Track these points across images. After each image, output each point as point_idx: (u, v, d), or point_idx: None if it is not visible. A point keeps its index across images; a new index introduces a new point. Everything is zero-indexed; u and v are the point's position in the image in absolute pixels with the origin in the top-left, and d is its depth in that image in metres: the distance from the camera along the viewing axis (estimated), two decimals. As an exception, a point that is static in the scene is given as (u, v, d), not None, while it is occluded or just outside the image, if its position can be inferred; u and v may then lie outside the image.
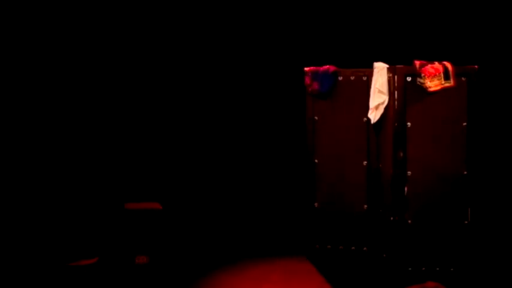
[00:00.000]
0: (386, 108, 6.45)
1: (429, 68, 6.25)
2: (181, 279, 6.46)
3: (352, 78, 6.75)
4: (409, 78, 6.27)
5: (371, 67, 6.60)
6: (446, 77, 6.25)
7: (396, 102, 6.31)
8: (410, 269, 6.26)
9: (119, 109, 7.63)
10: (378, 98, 6.50)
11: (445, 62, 6.30)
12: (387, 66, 6.50)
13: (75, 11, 7.43)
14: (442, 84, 6.24)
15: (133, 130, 7.68)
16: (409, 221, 6.27)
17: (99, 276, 6.37)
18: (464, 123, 6.29)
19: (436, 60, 6.31)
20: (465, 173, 6.29)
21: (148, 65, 7.71)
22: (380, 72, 6.51)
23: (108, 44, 7.52)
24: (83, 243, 6.96)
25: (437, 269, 6.26)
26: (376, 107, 6.53)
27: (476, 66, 6.33)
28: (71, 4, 7.42)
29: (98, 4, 7.47)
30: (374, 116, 6.57)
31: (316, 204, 6.89)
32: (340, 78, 6.78)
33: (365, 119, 6.69)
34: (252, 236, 7.67)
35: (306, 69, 6.93)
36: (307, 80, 6.89)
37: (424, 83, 6.25)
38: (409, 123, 6.28)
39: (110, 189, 7.44)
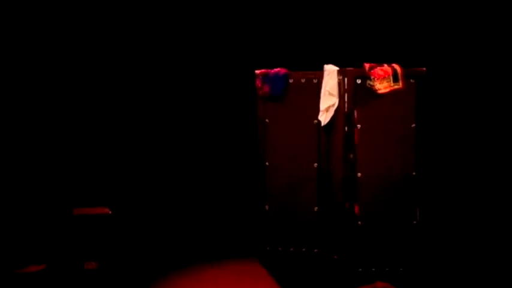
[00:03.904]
0: (336, 111, 6.48)
1: (378, 70, 6.29)
2: (131, 284, 6.38)
3: (303, 80, 6.76)
4: (358, 81, 6.31)
5: (321, 70, 6.63)
6: (395, 79, 6.31)
7: (346, 105, 6.34)
8: (360, 269, 6.30)
9: (64, 112, 7.51)
10: (328, 100, 6.53)
11: (394, 65, 6.35)
12: (337, 68, 6.54)
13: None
14: (391, 86, 6.30)
15: (80, 133, 7.57)
16: (359, 222, 6.31)
17: (47, 283, 6.26)
18: (413, 125, 6.36)
19: (385, 63, 6.36)
20: (414, 173, 6.36)
21: (90, 66, 7.59)
22: (330, 74, 6.55)
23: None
24: (30, 249, 6.82)
25: (387, 269, 6.31)
26: (327, 109, 6.57)
27: (424, 69, 6.41)
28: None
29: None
30: (324, 118, 6.60)
31: (267, 206, 6.88)
32: (291, 80, 6.78)
33: (316, 121, 6.71)
34: (203, 239, 7.63)
35: (256, 72, 6.91)
36: (258, 83, 6.87)
37: (373, 85, 6.29)
38: (358, 125, 6.32)
39: (57, 193, 7.32)
